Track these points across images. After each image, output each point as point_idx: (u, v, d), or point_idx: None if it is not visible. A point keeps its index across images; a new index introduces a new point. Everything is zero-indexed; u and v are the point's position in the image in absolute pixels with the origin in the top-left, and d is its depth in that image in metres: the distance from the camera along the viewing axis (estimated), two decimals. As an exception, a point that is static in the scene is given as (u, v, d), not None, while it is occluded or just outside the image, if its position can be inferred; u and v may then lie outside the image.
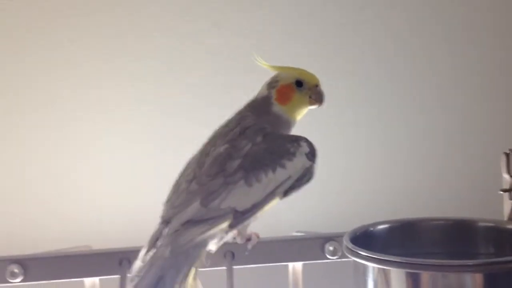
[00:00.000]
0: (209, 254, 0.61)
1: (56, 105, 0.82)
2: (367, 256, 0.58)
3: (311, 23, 0.85)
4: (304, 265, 0.72)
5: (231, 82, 0.84)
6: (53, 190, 0.82)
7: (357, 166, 0.86)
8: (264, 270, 0.73)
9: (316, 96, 0.65)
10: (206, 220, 0.57)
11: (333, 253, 0.71)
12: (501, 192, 0.71)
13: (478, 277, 0.55)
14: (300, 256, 0.68)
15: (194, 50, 0.83)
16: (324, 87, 0.65)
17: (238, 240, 0.66)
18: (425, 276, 0.56)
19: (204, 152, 0.62)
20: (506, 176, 0.71)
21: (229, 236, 0.62)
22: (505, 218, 0.70)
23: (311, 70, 0.82)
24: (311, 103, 0.65)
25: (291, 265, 0.72)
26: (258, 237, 0.68)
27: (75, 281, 0.70)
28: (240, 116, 0.64)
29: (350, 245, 0.61)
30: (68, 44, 0.81)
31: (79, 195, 0.83)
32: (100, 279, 0.70)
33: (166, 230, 0.58)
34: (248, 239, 0.67)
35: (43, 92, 0.82)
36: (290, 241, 0.67)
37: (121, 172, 0.83)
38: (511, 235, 0.65)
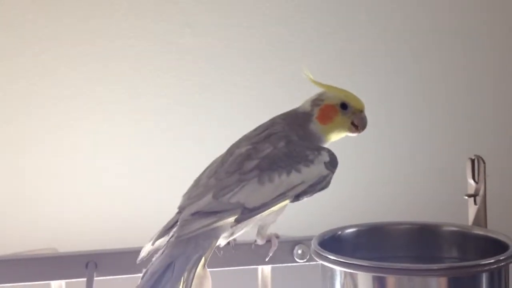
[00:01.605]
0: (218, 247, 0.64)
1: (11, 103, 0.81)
2: (334, 259, 0.59)
3: (285, 24, 0.85)
4: (273, 268, 0.72)
5: (204, 82, 0.83)
6: (18, 191, 0.81)
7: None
8: (233, 274, 0.73)
9: (358, 121, 0.64)
10: (215, 213, 0.59)
11: (302, 257, 0.71)
12: (466, 197, 0.72)
13: (443, 281, 0.56)
14: (269, 259, 0.69)
15: (166, 50, 0.83)
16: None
17: (259, 241, 0.67)
18: (391, 280, 0.57)
19: (229, 152, 0.64)
20: (471, 181, 0.72)
21: (240, 232, 0.63)
22: (470, 223, 0.71)
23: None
24: (351, 130, 0.65)
25: (260, 268, 0.72)
26: (278, 237, 0.68)
27: (42, 284, 0.69)
28: (271, 123, 0.65)
29: (318, 249, 0.61)
30: (50, 47, 0.80)
31: (44, 196, 0.81)
32: (66, 282, 0.69)
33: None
34: (268, 240, 0.67)
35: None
36: (259, 245, 0.67)
37: (86, 174, 0.82)
38: (475, 239, 0.66)
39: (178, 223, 0.60)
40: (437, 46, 0.88)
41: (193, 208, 0.60)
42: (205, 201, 0.60)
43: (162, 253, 0.59)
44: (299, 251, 0.71)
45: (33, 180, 0.81)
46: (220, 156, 0.65)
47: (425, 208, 0.85)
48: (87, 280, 0.67)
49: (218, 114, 0.84)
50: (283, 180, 0.61)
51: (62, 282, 0.69)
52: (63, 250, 0.71)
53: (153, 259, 0.59)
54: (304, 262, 0.71)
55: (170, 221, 0.62)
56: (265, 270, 0.72)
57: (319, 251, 0.61)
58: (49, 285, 0.69)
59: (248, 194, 0.60)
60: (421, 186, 0.88)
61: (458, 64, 0.88)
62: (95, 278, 0.67)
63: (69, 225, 0.80)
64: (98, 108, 0.82)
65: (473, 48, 0.89)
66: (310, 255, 0.67)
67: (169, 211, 0.63)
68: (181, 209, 0.62)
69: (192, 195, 0.62)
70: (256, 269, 0.72)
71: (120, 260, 0.69)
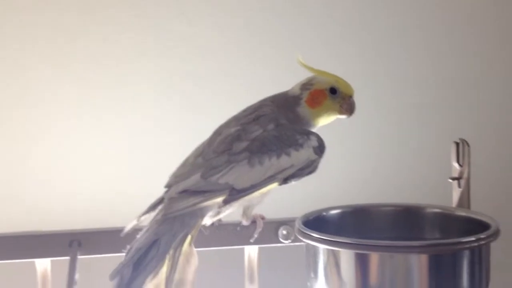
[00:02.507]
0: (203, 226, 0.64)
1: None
2: (317, 237, 0.59)
3: (279, 13, 0.85)
4: (259, 248, 0.72)
5: (198, 71, 0.83)
6: (2, 172, 0.81)
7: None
8: (219, 254, 0.73)
9: (347, 106, 0.65)
10: (203, 192, 0.60)
11: (286, 237, 0.72)
12: (450, 180, 0.73)
13: (424, 258, 0.56)
14: (254, 240, 0.69)
15: (161, 38, 0.83)
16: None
17: (244, 222, 0.67)
18: (374, 257, 0.57)
19: (217, 132, 0.64)
20: (455, 164, 0.73)
21: (226, 212, 0.64)
22: (454, 206, 0.72)
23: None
24: (340, 113, 0.65)
25: (246, 249, 0.72)
26: (263, 218, 0.69)
27: (28, 263, 0.69)
28: (260, 104, 0.65)
29: (302, 228, 0.61)
30: (40, 35, 0.80)
31: (29, 177, 0.81)
32: (51, 260, 0.69)
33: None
34: (254, 221, 0.68)
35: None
36: (245, 226, 0.68)
37: (72, 155, 0.81)
38: (458, 221, 0.67)
39: (165, 200, 0.61)
40: (424, 30, 0.88)
41: (181, 186, 0.60)
42: (193, 180, 0.60)
43: (148, 230, 0.59)
44: (284, 232, 0.72)
45: (18, 160, 0.81)
46: (208, 138, 0.65)
47: (410, 191, 0.85)
48: (70, 258, 0.67)
49: (211, 102, 0.83)
50: (273, 163, 0.61)
51: (47, 260, 0.69)
52: (47, 229, 0.70)
53: (138, 235, 0.59)
54: (288, 243, 0.72)
55: (157, 199, 0.62)
56: (251, 251, 0.72)
57: (303, 230, 0.61)
58: (33, 263, 0.69)
59: (238, 175, 0.60)
60: (406, 169, 0.88)
61: (445, 48, 0.89)
62: (78, 257, 0.68)
63: (53, 205, 0.80)
64: (86, 94, 0.81)
65: (459, 32, 0.89)
66: (295, 236, 0.68)
67: (153, 191, 0.64)
68: (168, 187, 0.62)
69: (179, 173, 0.62)
70: (243, 250, 0.73)
71: (104, 239, 0.69)
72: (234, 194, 0.60)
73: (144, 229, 0.60)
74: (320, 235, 0.59)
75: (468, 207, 0.71)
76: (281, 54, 0.85)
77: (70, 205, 0.80)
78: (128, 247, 0.59)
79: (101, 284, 0.79)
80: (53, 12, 0.80)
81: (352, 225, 0.68)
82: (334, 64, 0.84)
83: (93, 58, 0.81)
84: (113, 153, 0.81)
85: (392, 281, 0.56)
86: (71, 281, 0.65)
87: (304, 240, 0.61)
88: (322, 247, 0.59)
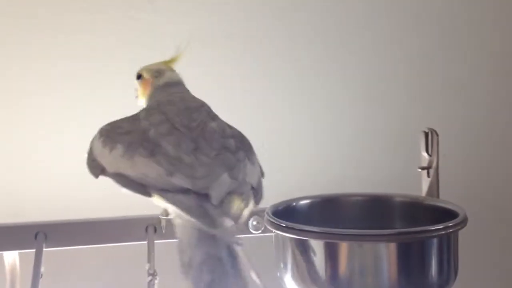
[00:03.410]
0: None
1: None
2: (286, 227, 0.59)
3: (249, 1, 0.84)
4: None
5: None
6: None
7: (280, 142, 0.86)
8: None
9: None
10: (241, 193, 0.57)
11: (257, 228, 0.71)
12: (420, 170, 0.73)
13: (392, 247, 0.56)
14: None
15: (126, 27, 0.81)
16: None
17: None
18: (343, 246, 0.57)
19: (181, 124, 0.60)
20: (424, 154, 0.73)
21: None
22: (423, 195, 0.72)
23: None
24: None
25: None
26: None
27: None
28: (194, 97, 0.65)
29: (271, 217, 0.61)
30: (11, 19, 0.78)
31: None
32: (19, 253, 0.67)
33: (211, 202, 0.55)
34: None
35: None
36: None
37: (40, 144, 0.80)
38: (426, 210, 0.67)
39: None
40: (389, 14, 0.88)
41: (222, 189, 0.56)
42: (227, 181, 0.56)
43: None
44: (254, 223, 0.71)
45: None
46: (159, 128, 0.59)
47: (379, 181, 0.85)
48: (36, 251, 0.66)
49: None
50: (257, 161, 0.62)
51: (15, 253, 0.67)
52: (13, 221, 0.69)
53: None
54: (259, 233, 0.71)
55: (196, 204, 0.55)
56: None
57: (272, 220, 0.61)
58: (1, 256, 0.67)
59: (251, 174, 0.59)
60: (376, 158, 0.88)
61: (411, 33, 0.89)
62: (44, 249, 0.66)
63: (19, 196, 0.79)
64: (54, 83, 0.80)
65: (427, 16, 0.89)
66: (265, 227, 0.67)
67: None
68: (201, 190, 0.55)
69: (199, 175, 0.56)
70: None
71: (71, 231, 0.68)
72: (255, 193, 0.59)
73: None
74: (289, 225, 0.59)
75: (437, 196, 0.71)
76: (252, 44, 0.84)
77: (36, 196, 0.78)
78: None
79: (67, 276, 0.80)
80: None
81: (321, 215, 0.68)
82: (302, 51, 0.85)
83: (59, 48, 0.80)
84: (83, 144, 0.80)
85: (362, 270, 0.56)
86: (36, 273, 0.63)
87: (273, 230, 0.61)
88: (291, 236, 0.59)
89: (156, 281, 0.64)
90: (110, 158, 0.59)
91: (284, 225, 0.59)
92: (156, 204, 0.60)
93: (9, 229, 0.67)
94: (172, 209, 0.57)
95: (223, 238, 0.54)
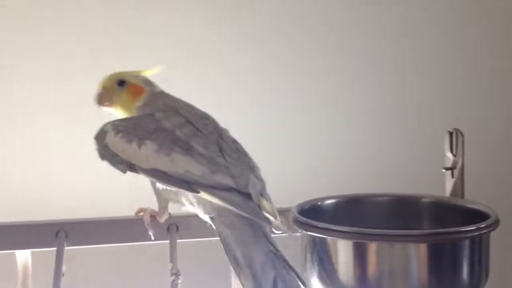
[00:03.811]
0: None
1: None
2: (315, 226, 0.58)
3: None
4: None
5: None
6: None
7: (305, 140, 0.85)
8: (205, 245, 0.70)
9: None
10: (266, 193, 0.62)
11: (279, 228, 0.70)
12: (444, 170, 0.72)
13: (423, 247, 0.55)
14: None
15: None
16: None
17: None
18: (372, 246, 0.56)
19: (201, 127, 0.62)
20: (449, 154, 0.72)
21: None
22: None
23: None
24: None
25: None
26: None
27: (6, 254, 0.66)
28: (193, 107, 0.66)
29: (299, 217, 0.60)
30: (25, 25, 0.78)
31: (16, 165, 0.78)
32: (32, 252, 0.66)
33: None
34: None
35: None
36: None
37: (60, 143, 0.79)
38: (455, 211, 0.66)
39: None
40: (418, 23, 0.88)
41: (257, 188, 0.60)
42: (257, 183, 0.60)
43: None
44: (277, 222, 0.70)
45: (3, 148, 0.78)
46: (183, 127, 0.61)
47: (401, 181, 0.84)
48: (57, 249, 0.64)
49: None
50: None
51: (28, 252, 0.66)
52: (33, 219, 0.68)
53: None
54: (280, 233, 0.70)
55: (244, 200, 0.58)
56: None
57: (299, 219, 0.60)
58: (13, 255, 0.66)
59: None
60: (400, 159, 0.87)
61: (440, 41, 0.89)
62: (65, 248, 0.65)
63: (39, 195, 0.77)
64: (74, 84, 0.79)
65: (452, 27, 0.89)
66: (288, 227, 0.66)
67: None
68: (242, 188, 0.59)
69: (237, 174, 0.59)
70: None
71: (92, 229, 0.67)
72: None
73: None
74: (318, 224, 0.58)
75: (462, 197, 0.70)
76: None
77: (56, 195, 0.77)
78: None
79: (87, 276, 0.78)
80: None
81: (346, 215, 0.67)
82: (324, 55, 0.84)
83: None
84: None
85: (391, 271, 0.56)
86: (58, 272, 0.62)
87: (301, 229, 0.60)
88: (320, 236, 0.58)
89: (179, 281, 0.63)
90: (142, 155, 0.60)
91: (313, 224, 0.58)
92: (185, 203, 0.60)
93: (29, 227, 0.66)
94: (209, 207, 0.59)
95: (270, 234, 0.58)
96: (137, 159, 0.60)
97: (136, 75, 0.67)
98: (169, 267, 0.64)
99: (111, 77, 0.66)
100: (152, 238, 0.65)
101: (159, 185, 0.61)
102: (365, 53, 0.87)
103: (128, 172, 0.61)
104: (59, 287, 0.61)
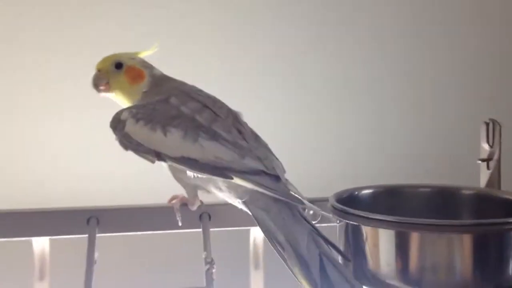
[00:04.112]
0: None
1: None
2: (357, 215, 0.57)
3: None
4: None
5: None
6: (20, 148, 0.77)
7: (342, 131, 0.84)
8: (226, 234, 0.69)
9: None
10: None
11: (313, 218, 0.69)
12: (479, 162, 0.71)
13: (467, 238, 0.54)
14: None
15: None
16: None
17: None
18: (415, 236, 0.54)
19: (218, 111, 0.60)
20: (485, 145, 0.71)
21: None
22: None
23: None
24: None
25: (251, 230, 0.70)
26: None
27: (23, 241, 0.65)
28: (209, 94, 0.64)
29: (339, 206, 0.59)
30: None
31: (47, 153, 0.77)
32: (50, 239, 0.65)
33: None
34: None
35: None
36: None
37: (89, 131, 0.78)
38: (493, 202, 0.65)
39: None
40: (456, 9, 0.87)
41: (283, 170, 0.60)
42: (280, 165, 0.60)
43: None
44: (310, 212, 0.69)
45: (35, 137, 0.77)
46: (197, 109, 0.59)
47: (435, 172, 0.83)
48: (88, 236, 0.63)
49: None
50: None
51: (46, 239, 0.65)
52: (64, 205, 0.66)
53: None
54: (315, 223, 0.69)
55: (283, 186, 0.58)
56: (257, 234, 0.70)
57: (339, 207, 0.59)
58: (30, 242, 0.65)
59: None
60: (434, 150, 0.86)
61: (475, 29, 0.88)
62: (97, 235, 0.64)
63: (71, 182, 0.76)
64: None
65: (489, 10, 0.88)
66: (322, 216, 0.65)
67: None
68: (270, 170, 0.58)
69: (263, 156, 0.59)
70: (248, 231, 0.70)
71: (123, 216, 0.66)
72: None
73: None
74: (360, 213, 0.57)
75: (499, 189, 0.69)
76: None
77: (87, 183, 0.76)
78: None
79: (118, 264, 0.77)
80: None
81: (384, 205, 0.66)
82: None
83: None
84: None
85: (434, 262, 0.54)
86: (90, 260, 0.61)
87: (341, 219, 0.59)
88: (362, 226, 0.57)
89: (213, 270, 0.62)
90: (169, 143, 0.57)
91: (354, 213, 0.57)
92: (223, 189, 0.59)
93: (60, 214, 0.65)
94: (241, 192, 0.57)
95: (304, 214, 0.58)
96: (165, 148, 0.58)
97: (132, 57, 0.63)
98: (203, 256, 0.62)
99: (106, 59, 0.62)
100: (179, 224, 0.63)
101: (185, 173, 0.58)
102: (400, 41, 0.86)
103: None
104: (91, 274, 0.60)
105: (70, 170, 0.77)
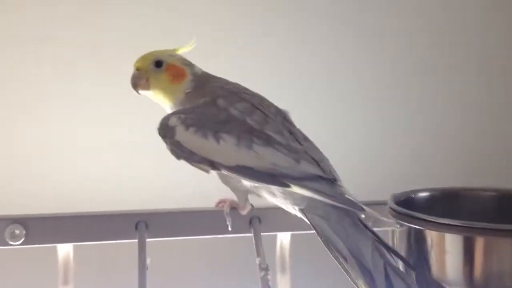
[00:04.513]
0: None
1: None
2: (422, 220, 0.55)
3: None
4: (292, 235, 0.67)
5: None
6: (63, 151, 0.75)
7: (399, 133, 0.82)
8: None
9: None
10: None
11: (364, 220, 0.66)
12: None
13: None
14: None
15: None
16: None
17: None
18: (480, 241, 0.53)
19: (268, 112, 0.57)
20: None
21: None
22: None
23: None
24: None
25: (279, 235, 0.67)
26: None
27: (49, 247, 0.62)
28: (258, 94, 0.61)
29: (402, 210, 0.57)
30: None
31: (94, 157, 0.75)
32: (74, 245, 0.63)
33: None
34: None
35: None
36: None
37: (138, 136, 0.75)
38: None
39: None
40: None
41: (337, 173, 0.57)
42: (332, 165, 0.57)
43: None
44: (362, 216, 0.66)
45: (82, 140, 0.75)
46: (248, 111, 0.56)
47: (486, 175, 0.81)
48: (138, 241, 0.61)
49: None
50: None
51: (70, 245, 0.62)
52: (111, 209, 0.64)
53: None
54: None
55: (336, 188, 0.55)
56: (284, 238, 0.67)
57: (402, 211, 0.57)
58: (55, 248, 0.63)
59: None
60: (485, 153, 0.84)
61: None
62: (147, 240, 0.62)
63: (118, 185, 0.75)
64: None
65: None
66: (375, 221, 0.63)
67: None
68: (328, 173, 0.55)
69: (318, 158, 0.56)
70: (275, 236, 0.67)
71: (172, 221, 0.63)
72: None
73: None
74: (424, 217, 0.55)
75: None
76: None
77: (134, 186, 0.74)
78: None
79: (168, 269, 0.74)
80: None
81: (441, 209, 0.64)
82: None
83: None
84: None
85: (500, 269, 0.52)
86: (142, 265, 0.59)
87: (402, 222, 0.57)
88: (426, 230, 0.55)
89: (269, 276, 0.60)
90: (222, 150, 0.54)
91: (421, 217, 0.55)
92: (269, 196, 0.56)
93: (107, 218, 0.63)
94: (298, 199, 0.55)
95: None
96: (218, 156, 0.54)
97: (171, 54, 0.60)
98: (257, 262, 0.60)
99: (145, 57, 0.59)
100: (230, 229, 0.60)
101: (237, 180, 0.56)
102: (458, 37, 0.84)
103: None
104: (144, 280, 0.58)
105: (113, 172, 0.75)
